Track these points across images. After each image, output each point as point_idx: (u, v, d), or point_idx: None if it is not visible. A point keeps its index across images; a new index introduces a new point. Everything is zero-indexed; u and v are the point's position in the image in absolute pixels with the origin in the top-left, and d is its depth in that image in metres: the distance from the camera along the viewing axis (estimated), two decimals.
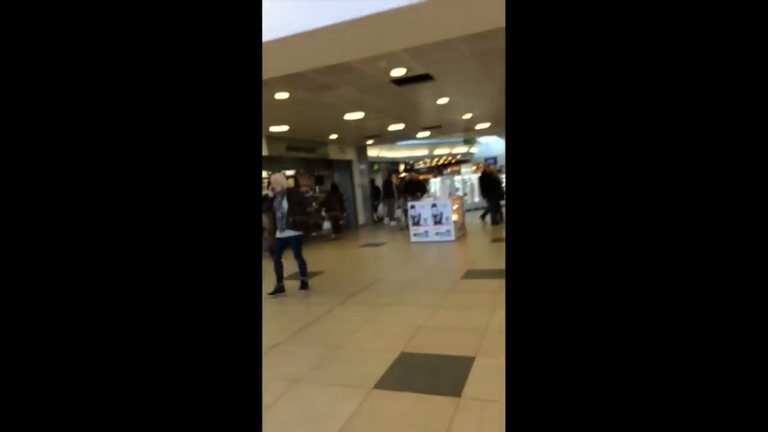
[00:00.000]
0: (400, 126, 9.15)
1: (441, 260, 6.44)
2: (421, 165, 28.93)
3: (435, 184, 14.70)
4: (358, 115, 7.36)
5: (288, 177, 10.54)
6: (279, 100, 5.77)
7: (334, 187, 10.87)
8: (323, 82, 5.11)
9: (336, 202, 10.41)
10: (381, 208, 12.36)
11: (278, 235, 4.90)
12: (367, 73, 4.85)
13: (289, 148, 9.66)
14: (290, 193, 4.92)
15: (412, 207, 7.78)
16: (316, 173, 12.20)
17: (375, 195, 12.90)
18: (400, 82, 5.41)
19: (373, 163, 14.50)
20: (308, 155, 10.40)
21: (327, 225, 10.57)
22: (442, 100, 6.93)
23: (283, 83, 4.98)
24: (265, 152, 8.76)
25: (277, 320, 4.07)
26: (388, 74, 5.03)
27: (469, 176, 14.85)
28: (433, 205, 7.70)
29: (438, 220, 7.56)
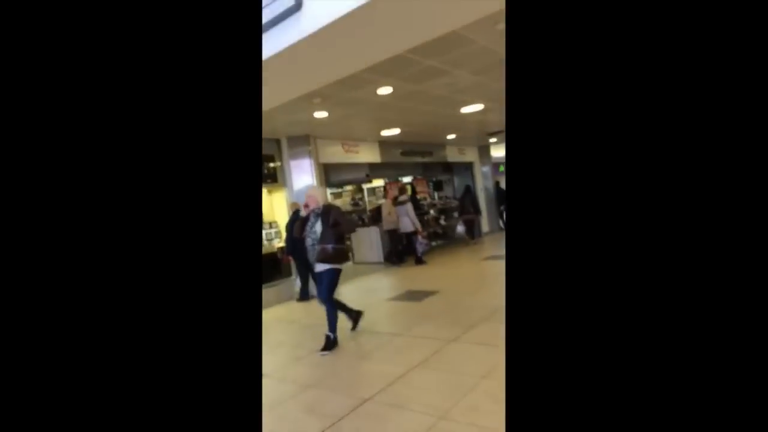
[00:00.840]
0: None
1: None
2: None
3: None
4: (477, 107, 6.30)
5: (405, 184, 9.93)
6: (383, 96, 5.08)
7: (468, 189, 10.07)
8: (429, 66, 4.24)
9: (470, 205, 9.65)
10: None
11: (316, 269, 3.72)
12: (482, 44, 3.82)
13: (404, 153, 9.01)
14: (325, 212, 3.60)
15: None
16: (434, 178, 11.38)
17: (501, 199, 11.48)
18: None
19: (498, 164, 13.08)
20: (424, 159, 9.61)
21: (461, 229, 9.97)
22: None
23: (382, 73, 4.25)
24: (378, 159, 8.24)
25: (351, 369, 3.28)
26: None
27: None
28: None
29: None
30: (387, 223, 7.84)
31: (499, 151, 13.20)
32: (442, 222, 10.06)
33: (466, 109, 6.38)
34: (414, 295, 5.10)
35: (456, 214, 10.22)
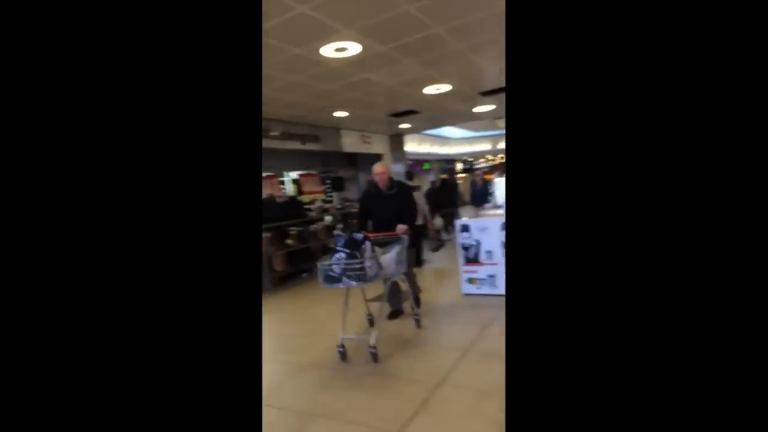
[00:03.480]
0: (445, 87, 5.53)
1: None
2: (482, 163, 25.01)
3: (501, 184, 10.83)
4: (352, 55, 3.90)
5: (282, 182, 7.32)
6: None
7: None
8: None
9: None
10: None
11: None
12: None
13: (285, 136, 6.43)
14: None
15: (465, 229, 4.11)
16: (332, 174, 8.89)
17: (446, 200, 8.63)
18: None
19: (423, 161, 11.08)
20: (306, 146, 7.05)
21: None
22: None
23: None
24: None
25: None
26: None
27: None
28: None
29: None
30: None
31: (413, 145, 11.00)
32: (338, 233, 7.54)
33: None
34: None
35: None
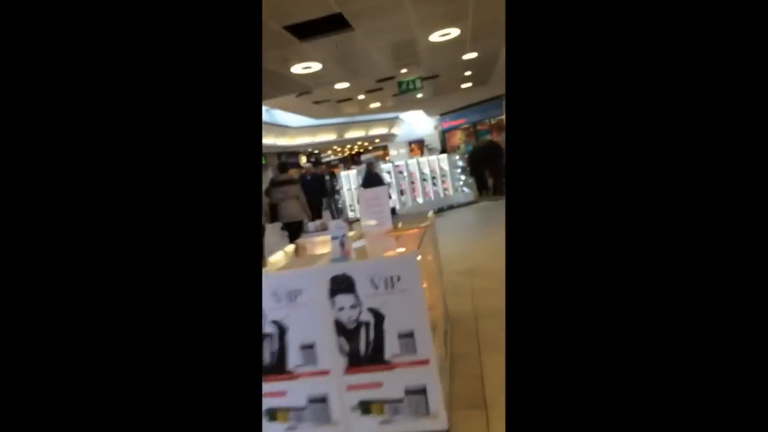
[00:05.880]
0: None
1: None
2: (330, 156, 23.11)
3: (348, 179, 8.87)
4: None
5: None
6: None
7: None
8: None
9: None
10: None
11: None
12: None
13: None
14: None
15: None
16: None
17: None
18: None
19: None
20: None
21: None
22: None
23: None
24: None
25: None
26: None
27: (406, 161, 9.10)
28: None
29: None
30: None
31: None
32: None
33: None
34: None
35: None
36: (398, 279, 1.65)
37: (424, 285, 1.80)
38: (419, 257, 1.72)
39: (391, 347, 1.69)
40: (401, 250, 2.03)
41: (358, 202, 5.83)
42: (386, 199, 2.37)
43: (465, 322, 2.82)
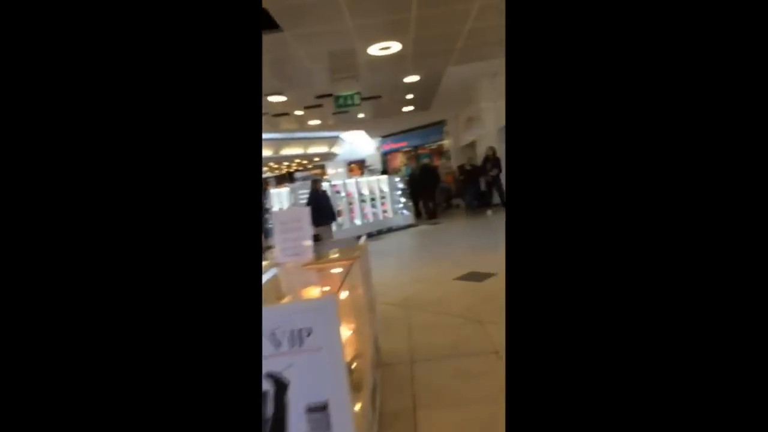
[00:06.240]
0: None
1: None
2: (266, 172, 22.21)
3: (280, 197, 8.30)
4: None
5: None
6: None
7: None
8: None
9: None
10: None
11: None
12: None
13: None
14: None
15: None
16: None
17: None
18: None
19: None
20: None
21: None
22: None
23: None
24: None
25: None
26: None
27: (344, 180, 8.69)
28: None
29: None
30: None
31: None
32: None
33: None
34: None
35: None
36: (308, 333, 1.21)
37: (350, 331, 1.39)
38: (339, 300, 1.30)
39: (297, 425, 1.24)
40: (315, 292, 1.58)
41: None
42: (308, 223, 1.93)
43: (398, 368, 2.42)
